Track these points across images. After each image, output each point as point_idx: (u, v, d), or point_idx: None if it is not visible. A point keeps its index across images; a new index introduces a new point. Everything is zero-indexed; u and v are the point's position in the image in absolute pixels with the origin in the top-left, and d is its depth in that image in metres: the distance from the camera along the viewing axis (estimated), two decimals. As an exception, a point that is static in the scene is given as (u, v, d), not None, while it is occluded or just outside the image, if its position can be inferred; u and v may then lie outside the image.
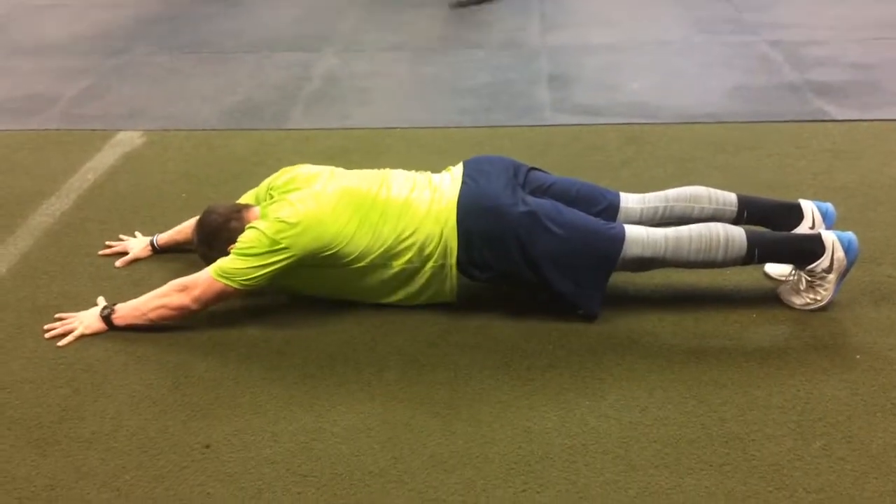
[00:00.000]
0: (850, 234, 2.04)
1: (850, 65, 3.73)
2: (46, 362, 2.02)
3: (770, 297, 2.14)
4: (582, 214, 2.07)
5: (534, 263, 2.01)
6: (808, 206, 2.21)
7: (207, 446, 1.76)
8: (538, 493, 1.61)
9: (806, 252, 2.04)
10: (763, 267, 2.23)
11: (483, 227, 2.02)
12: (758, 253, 2.03)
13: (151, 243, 2.44)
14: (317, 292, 2.18)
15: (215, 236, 2.14)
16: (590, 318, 2.07)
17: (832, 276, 2.03)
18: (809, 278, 2.05)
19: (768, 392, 1.83)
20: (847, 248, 2.02)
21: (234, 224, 2.13)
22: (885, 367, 1.88)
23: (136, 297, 2.12)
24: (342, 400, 1.87)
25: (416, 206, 2.06)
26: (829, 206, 2.22)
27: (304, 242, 2.00)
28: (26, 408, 1.88)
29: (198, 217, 2.23)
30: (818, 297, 2.05)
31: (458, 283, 2.09)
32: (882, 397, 1.80)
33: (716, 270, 2.24)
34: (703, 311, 2.11)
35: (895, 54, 3.83)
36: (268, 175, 2.27)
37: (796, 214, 2.19)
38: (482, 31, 4.42)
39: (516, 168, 2.18)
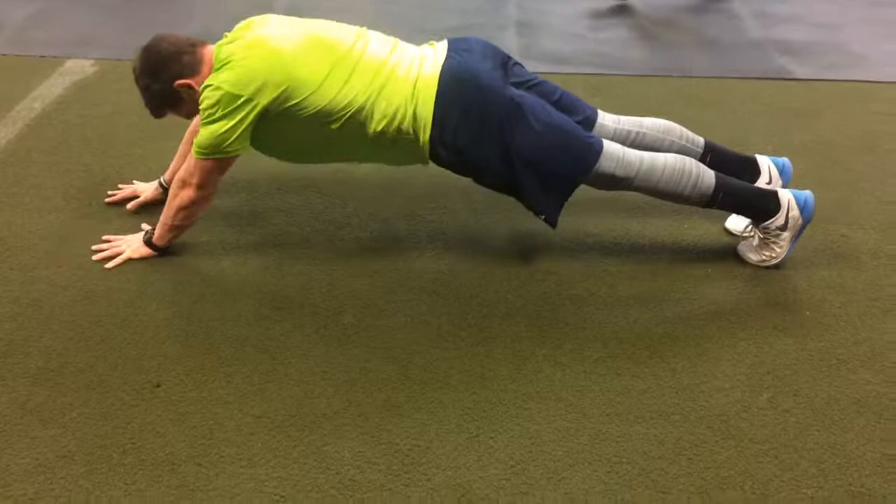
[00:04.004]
0: (806, 193, 2.06)
1: (814, 24, 3.74)
2: (-10, 296, 1.96)
3: (726, 254, 2.16)
4: (565, 117, 2.01)
5: (507, 155, 1.94)
6: (765, 162, 2.22)
7: (158, 385, 1.73)
8: (491, 438, 1.62)
9: (762, 207, 2.05)
10: (724, 223, 2.25)
11: (464, 103, 1.93)
12: (721, 197, 2.03)
13: (160, 183, 2.30)
14: (302, 156, 2.12)
15: (163, 67, 1.98)
16: (550, 224, 2.04)
17: (786, 234, 2.05)
18: (763, 235, 2.07)
19: (720, 345, 1.86)
20: (802, 207, 2.04)
21: (186, 58, 1.97)
22: (833, 324, 1.93)
23: (83, 229, 2.08)
24: (297, 342, 1.85)
25: (393, 69, 1.94)
26: (785, 160, 2.24)
27: (267, 90, 1.89)
28: (-31, 342, 1.83)
29: (143, 46, 2.02)
30: (773, 255, 2.08)
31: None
32: (828, 353, 1.84)
33: (675, 223, 2.27)
34: (660, 266, 2.12)
35: (859, 15, 3.85)
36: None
37: (753, 169, 2.21)
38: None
39: (504, 57, 2.10)
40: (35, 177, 2.43)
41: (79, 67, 3.14)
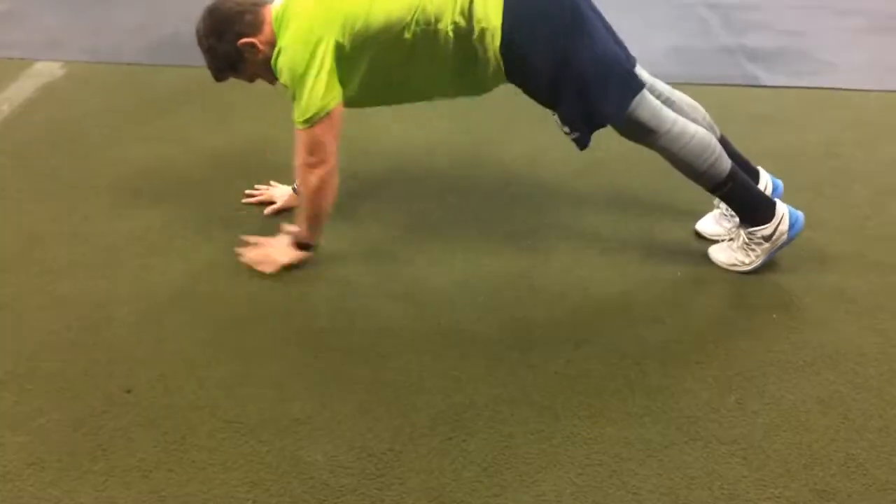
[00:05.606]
0: (799, 213, 2.09)
1: (782, 31, 3.81)
2: (-44, 301, 1.93)
3: (696, 257, 2.19)
4: (619, 51, 2.02)
5: (560, 64, 1.93)
6: (766, 177, 2.26)
7: (129, 391, 1.71)
8: (464, 441, 1.63)
9: (759, 211, 2.07)
10: (694, 225, 2.28)
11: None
12: (730, 185, 2.04)
13: (294, 190, 2.29)
14: (391, 89, 2.07)
15: (228, 25, 1.98)
16: (580, 145, 2.03)
17: (766, 246, 2.08)
18: (747, 239, 2.10)
19: (689, 347, 1.89)
20: (792, 225, 2.07)
21: (248, 17, 1.99)
22: (798, 326, 1.96)
23: (52, 232, 2.06)
24: (270, 347, 1.85)
25: None
26: (780, 183, 2.27)
27: (329, 28, 1.89)
28: (-66, 347, 1.80)
29: (206, 7, 2.03)
30: (746, 261, 2.11)
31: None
32: (795, 355, 1.87)
33: (646, 226, 2.30)
34: (630, 269, 2.15)
35: (826, 23, 3.93)
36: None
37: (755, 178, 2.23)
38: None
39: None
40: (3, 180, 2.41)
41: (48, 70, 3.11)
